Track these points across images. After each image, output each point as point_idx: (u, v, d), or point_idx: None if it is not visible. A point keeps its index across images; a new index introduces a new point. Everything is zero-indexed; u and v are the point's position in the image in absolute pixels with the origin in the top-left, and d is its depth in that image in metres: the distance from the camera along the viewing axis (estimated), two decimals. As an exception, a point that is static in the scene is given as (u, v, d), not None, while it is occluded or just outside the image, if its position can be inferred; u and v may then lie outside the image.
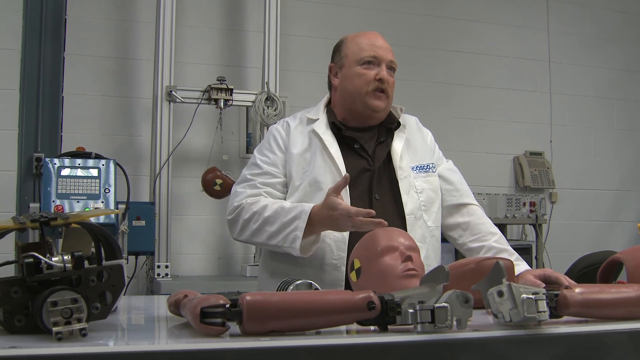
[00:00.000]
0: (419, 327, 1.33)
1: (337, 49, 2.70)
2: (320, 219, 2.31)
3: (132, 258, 4.57)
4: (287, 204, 2.45)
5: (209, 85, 4.84)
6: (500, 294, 1.39)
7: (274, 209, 2.43)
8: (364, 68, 2.56)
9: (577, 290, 1.52)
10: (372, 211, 2.22)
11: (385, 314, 1.38)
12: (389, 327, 1.40)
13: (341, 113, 2.64)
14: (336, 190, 2.26)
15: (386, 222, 2.17)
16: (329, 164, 2.51)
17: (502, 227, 5.58)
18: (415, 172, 2.58)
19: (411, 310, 1.35)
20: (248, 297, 1.32)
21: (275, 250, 2.48)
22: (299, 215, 2.35)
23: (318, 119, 2.64)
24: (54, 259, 1.35)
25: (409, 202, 2.51)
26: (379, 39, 2.63)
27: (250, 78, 5.38)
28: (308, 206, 2.37)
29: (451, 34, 6.13)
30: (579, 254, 3.05)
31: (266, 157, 2.62)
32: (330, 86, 2.72)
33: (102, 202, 4.01)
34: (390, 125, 2.63)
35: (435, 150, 2.75)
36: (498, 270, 1.45)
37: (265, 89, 4.95)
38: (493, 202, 5.62)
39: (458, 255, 4.74)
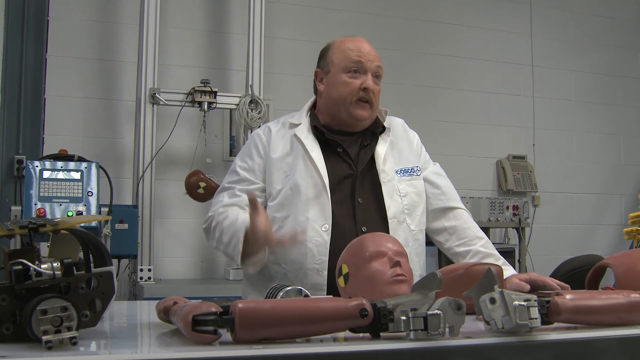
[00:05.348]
0: (411, 334, 1.33)
1: (323, 55, 2.67)
2: (250, 236, 2.29)
3: (114, 261, 4.53)
4: (242, 216, 2.40)
5: (193, 88, 4.83)
6: (493, 301, 1.38)
7: (230, 221, 2.41)
8: (350, 76, 2.53)
9: (568, 297, 1.52)
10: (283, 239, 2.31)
11: (377, 321, 1.37)
12: (382, 334, 1.39)
13: (325, 118, 2.62)
14: (256, 213, 2.23)
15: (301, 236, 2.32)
16: (310, 169, 2.49)
17: (485, 231, 5.53)
18: (399, 175, 2.57)
19: (404, 318, 1.34)
20: (240, 305, 1.31)
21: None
22: (240, 228, 2.32)
23: (300, 123, 2.62)
24: (43, 266, 1.34)
25: (392, 206, 2.50)
26: (365, 45, 2.59)
27: (234, 81, 5.36)
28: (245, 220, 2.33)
29: (435, 37, 6.15)
30: (561, 257, 3.07)
31: (245, 164, 2.61)
32: (316, 91, 2.70)
33: (85, 205, 3.99)
34: (375, 129, 2.61)
35: (421, 153, 2.73)
36: (490, 277, 1.45)
37: (250, 92, 4.93)
38: (476, 205, 5.64)
39: (442, 258, 4.75)
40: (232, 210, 2.49)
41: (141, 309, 2.32)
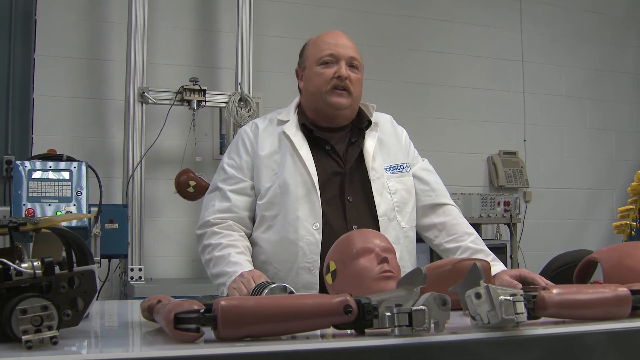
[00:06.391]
0: (396, 330, 1.32)
1: (301, 53, 2.69)
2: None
3: (105, 261, 4.52)
4: (233, 252, 2.40)
5: (182, 86, 4.80)
6: (478, 296, 1.38)
7: (221, 254, 2.41)
8: (323, 67, 2.54)
9: (555, 291, 1.51)
10: None
11: (362, 318, 1.36)
12: (366, 330, 1.38)
13: (310, 114, 2.62)
14: None
15: None
16: (299, 166, 2.49)
17: (476, 227, 5.56)
18: (388, 172, 2.56)
19: (388, 314, 1.33)
20: (223, 302, 1.30)
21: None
22: (231, 274, 2.29)
23: (288, 120, 2.61)
24: (23, 265, 1.32)
25: (382, 204, 2.50)
26: (338, 37, 2.60)
27: (223, 79, 5.34)
28: (236, 272, 2.29)
29: (425, 34, 6.14)
30: (553, 252, 3.06)
31: (232, 161, 2.60)
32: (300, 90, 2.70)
33: (74, 205, 3.96)
34: (361, 125, 2.61)
35: (410, 149, 2.73)
36: (475, 272, 1.44)
37: (239, 90, 4.92)
38: (467, 201, 5.63)
39: (433, 255, 4.74)
40: (223, 239, 2.47)
41: (132, 309, 2.31)
